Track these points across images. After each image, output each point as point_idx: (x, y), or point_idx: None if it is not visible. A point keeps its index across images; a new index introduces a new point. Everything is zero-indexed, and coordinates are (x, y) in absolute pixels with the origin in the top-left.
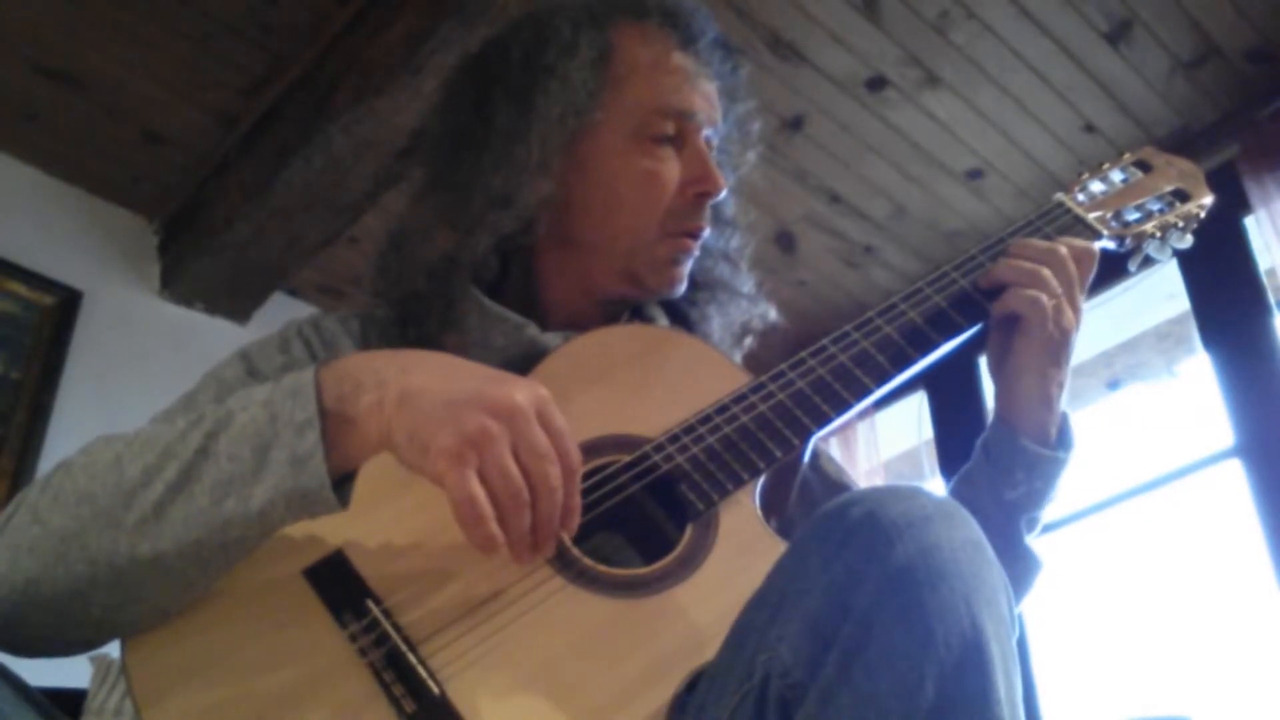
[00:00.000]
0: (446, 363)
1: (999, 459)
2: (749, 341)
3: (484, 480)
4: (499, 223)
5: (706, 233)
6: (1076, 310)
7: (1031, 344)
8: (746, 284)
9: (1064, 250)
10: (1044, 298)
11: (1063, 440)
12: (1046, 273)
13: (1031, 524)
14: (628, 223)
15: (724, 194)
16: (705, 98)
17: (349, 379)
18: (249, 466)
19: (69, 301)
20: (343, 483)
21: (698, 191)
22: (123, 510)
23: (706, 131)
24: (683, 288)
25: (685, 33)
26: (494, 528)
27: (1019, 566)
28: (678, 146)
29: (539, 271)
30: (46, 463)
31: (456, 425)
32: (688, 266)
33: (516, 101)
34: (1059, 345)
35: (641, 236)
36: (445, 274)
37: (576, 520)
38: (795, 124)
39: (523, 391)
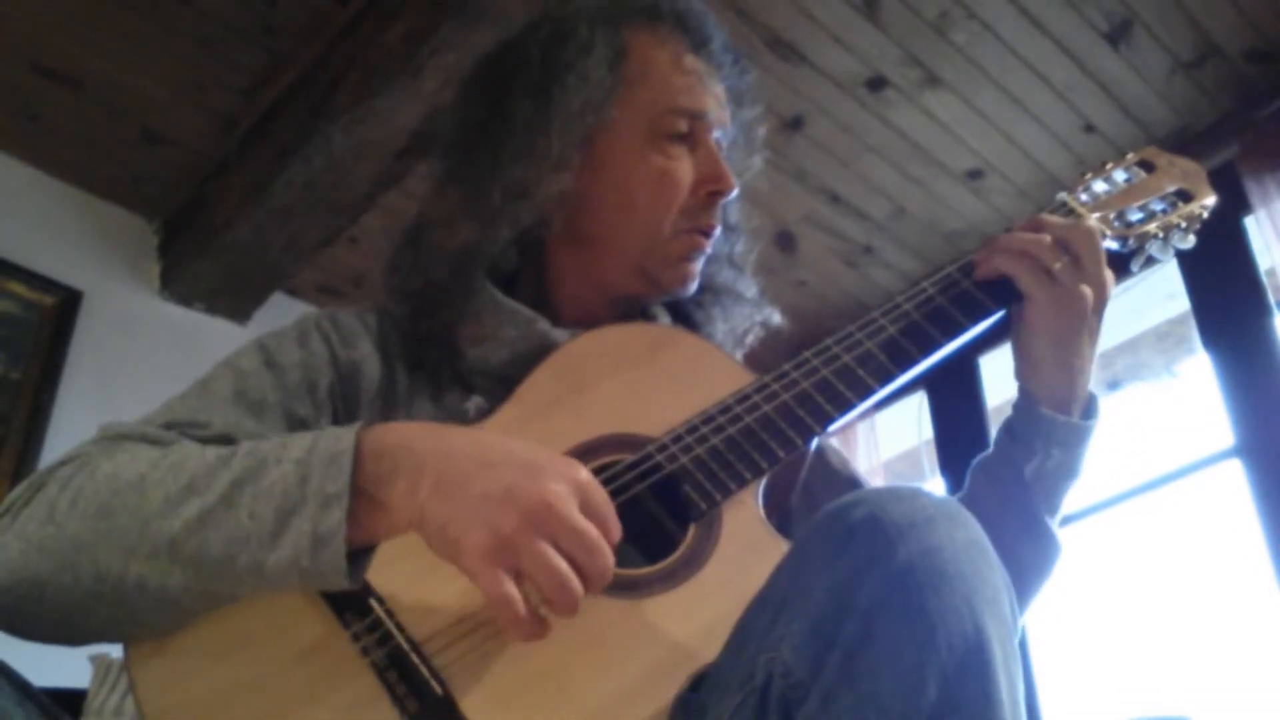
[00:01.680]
0: (486, 448)
1: (1019, 432)
2: (750, 340)
3: (526, 575)
4: (518, 214)
5: (718, 231)
6: (1089, 282)
7: (1038, 308)
8: (750, 289)
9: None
10: (1032, 258)
11: (1086, 413)
12: (1035, 238)
13: (1052, 498)
14: (641, 220)
15: (734, 194)
16: (716, 99)
17: (387, 459)
18: (269, 529)
19: (69, 301)
20: (360, 554)
21: (710, 190)
22: (138, 536)
23: (716, 133)
24: (695, 286)
25: (697, 35)
26: (533, 624)
27: (1038, 548)
28: (690, 146)
29: (552, 269)
30: (46, 463)
31: (490, 525)
32: (700, 264)
33: (535, 97)
34: (1069, 307)
35: (655, 234)
36: (465, 264)
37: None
38: (795, 124)
39: (560, 483)
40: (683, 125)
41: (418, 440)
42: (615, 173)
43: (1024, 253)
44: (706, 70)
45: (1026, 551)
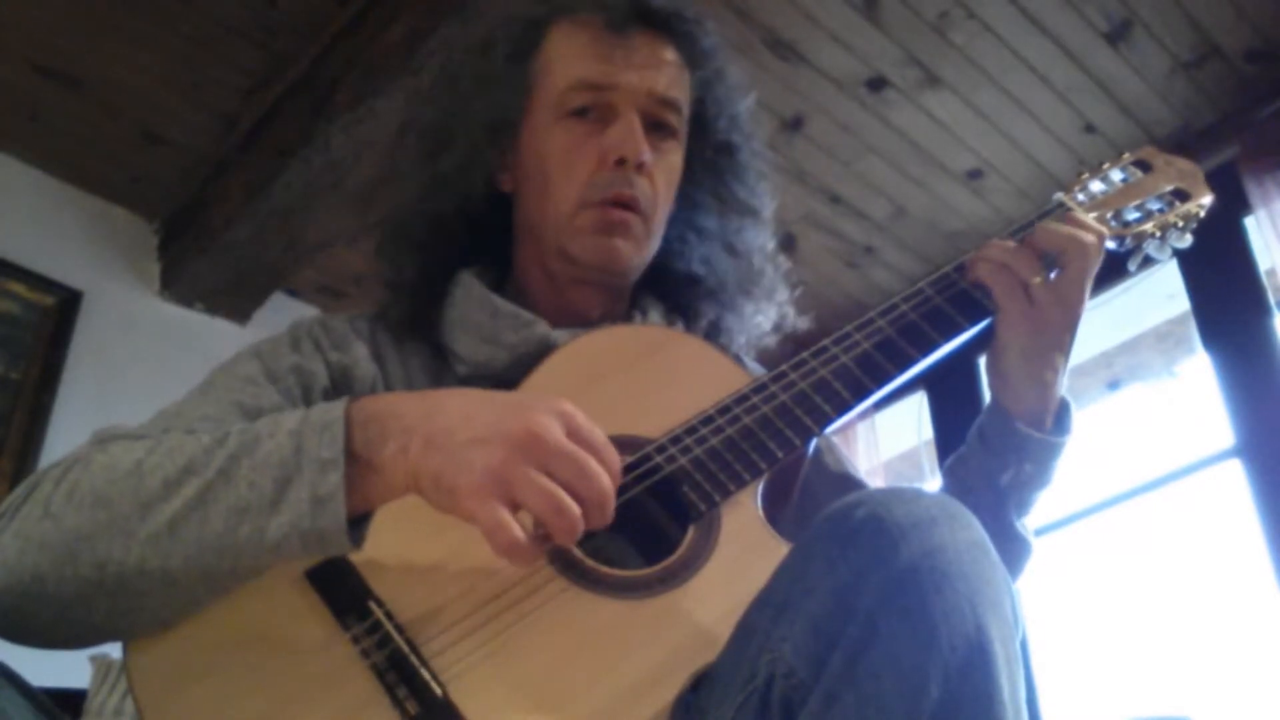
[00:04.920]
0: (470, 399)
1: (992, 442)
2: (763, 331)
3: (523, 506)
4: (447, 212)
5: (647, 201)
6: (1064, 300)
7: (1009, 322)
8: (760, 277)
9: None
10: (1010, 271)
11: (1059, 425)
12: (1016, 251)
13: (1023, 507)
14: (551, 199)
15: (738, 176)
16: (636, 68)
17: (375, 423)
18: (268, 497)
19: (69, 301)
20: (358, 522)
21: (616, 158)
22: (138, 521)
23: (647, 101)
24: (627, 261)
25: (614, 12)
26: (529, 550)
27: (1009, 549)
28: (607, 120)
29: (517, 266)
30: (46, 463)
31: (481, 463)
32: (626, 238)
33: (453, 99)
34: (1040, 325)
35: (561, 210)
36: (426, 261)
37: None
38: (795, 124)
39: (545, 415)
40: (583, 98)
41: (404, 404)
42: (532, 160)
43: (1004, 265)
44: (628, 40)
45: (999, 554)
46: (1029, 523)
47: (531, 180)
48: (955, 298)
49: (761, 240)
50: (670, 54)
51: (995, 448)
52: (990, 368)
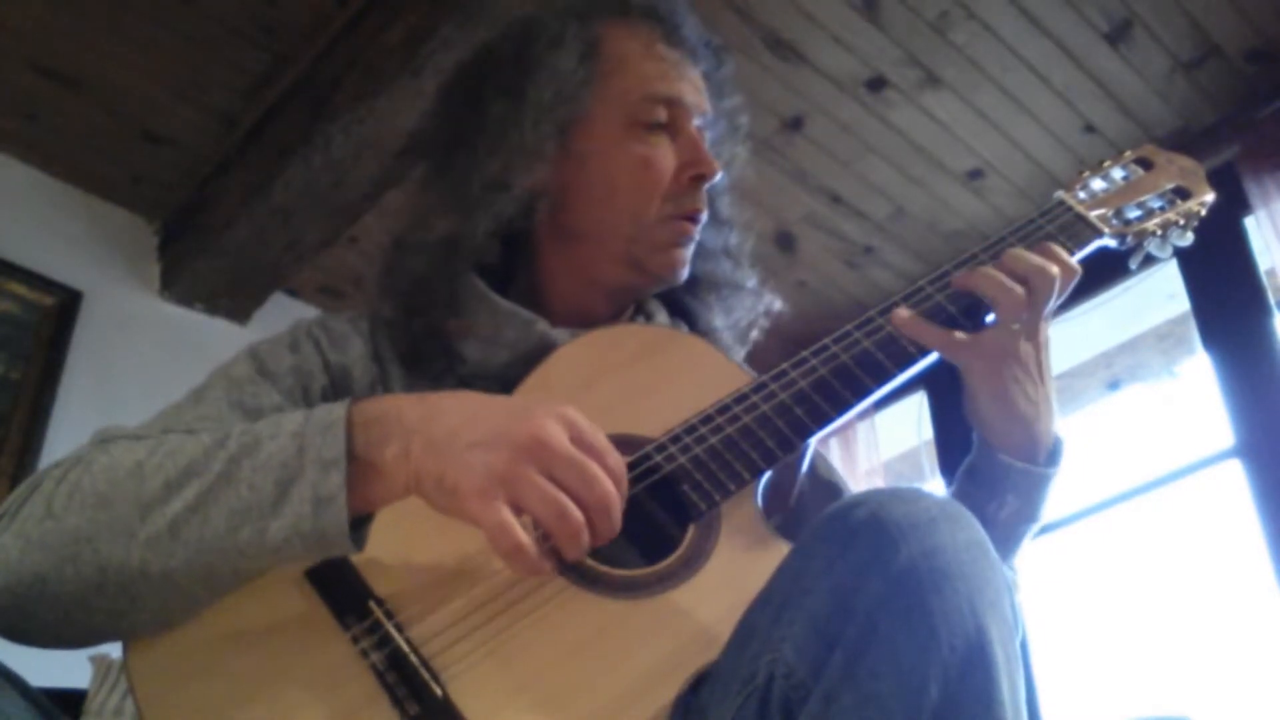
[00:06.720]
0: (473, 403)
1: (977, 475)
2: (755, 334)
3: (525, 510)
4: (496, 206)
5: (704, 216)
6: (1023, 333)
7: (971, 368)
8: (749, 279)
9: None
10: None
11: (1048, 459)
12: (986, 278)
13: (1009, 543)
14: (626, 209)
15: (720, 180)
16: (693, 86)
17: (377, 425)
18: (269, 498)
19: (69, 301)
20: (359, 524)
21: (693, 175)
22: (138, 522)
23: (696, 120)
24: (685, 273)
25: (668, 25)
26: (533, 554)
27: None
28: (671, 134)
29: (543, 267)
30: (46, 463)
31: (484, 466)
32: (689, 251)
33: (508, 94)
34: (1009, 358)
35: (640, 221)
36: (445, 256)
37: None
38: (795, 124)
39: (549, 420)
40: (660, 113)
41: (406, 406)
42: (596, 164)
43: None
44: (681, 58)
45: None
46: (1018, 563)
47: (589, 185)
48: (956, 296)
49: (744, 242)
50: (700, 74)
51: (981, 480)
52: (964, 405)
